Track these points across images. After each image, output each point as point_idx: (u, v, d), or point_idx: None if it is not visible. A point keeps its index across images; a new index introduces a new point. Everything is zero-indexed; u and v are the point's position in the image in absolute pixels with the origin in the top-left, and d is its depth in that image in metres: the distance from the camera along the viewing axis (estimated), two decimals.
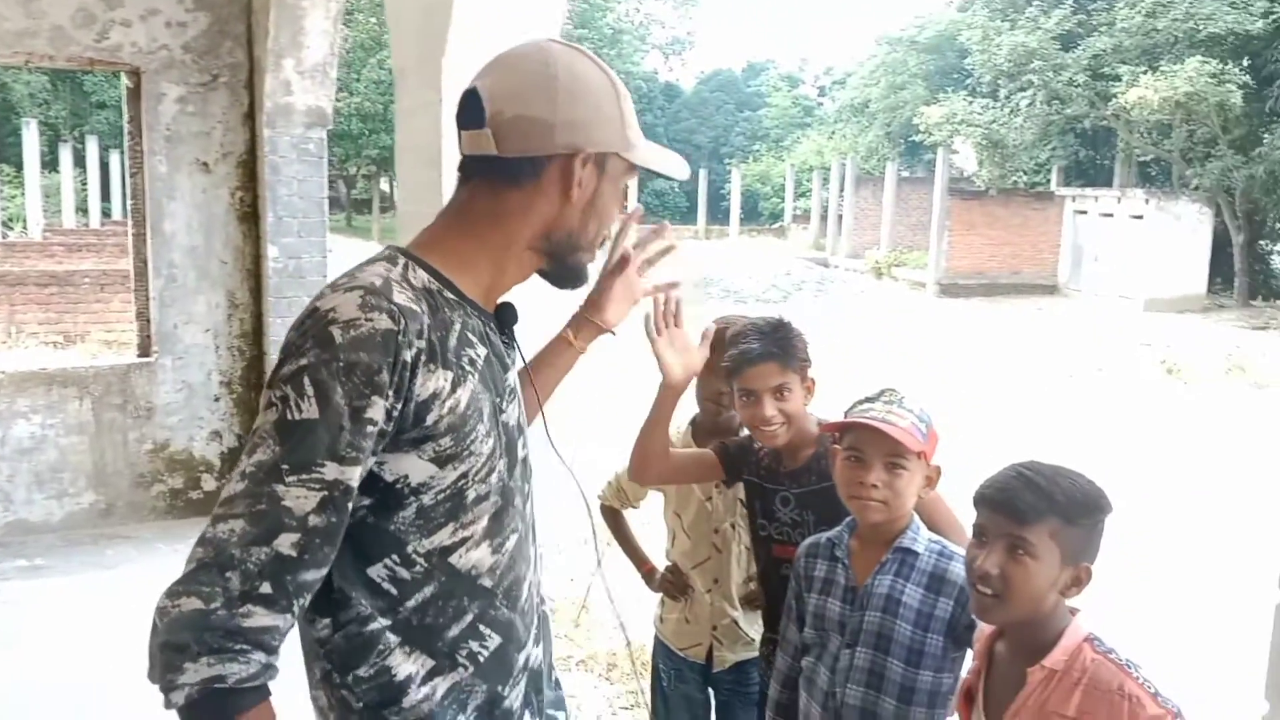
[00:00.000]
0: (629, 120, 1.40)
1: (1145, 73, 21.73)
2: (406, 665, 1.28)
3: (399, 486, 1.25)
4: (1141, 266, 22.19)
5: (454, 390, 1.24)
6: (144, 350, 5.98)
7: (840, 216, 30.88)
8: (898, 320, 19.17)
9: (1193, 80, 20.56)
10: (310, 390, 1.16)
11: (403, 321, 1.19)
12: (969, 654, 1.98)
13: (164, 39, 5.61)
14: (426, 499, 1.26)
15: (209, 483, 6.03)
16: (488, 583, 1.31)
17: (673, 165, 1.49)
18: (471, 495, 1.29)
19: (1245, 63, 22.34)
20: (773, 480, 2.39)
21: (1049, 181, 28.79)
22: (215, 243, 5.86)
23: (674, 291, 1.95)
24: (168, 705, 1.14)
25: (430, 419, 1.22)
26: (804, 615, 2.17)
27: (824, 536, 2.17)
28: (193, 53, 5.68)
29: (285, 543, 1.14)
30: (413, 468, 1.24)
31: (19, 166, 25.99)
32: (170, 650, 1.12)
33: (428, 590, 1.28)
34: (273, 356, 5.75)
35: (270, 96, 5.53)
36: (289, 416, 1.16)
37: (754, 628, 2.73)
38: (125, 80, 5.78)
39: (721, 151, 50.59)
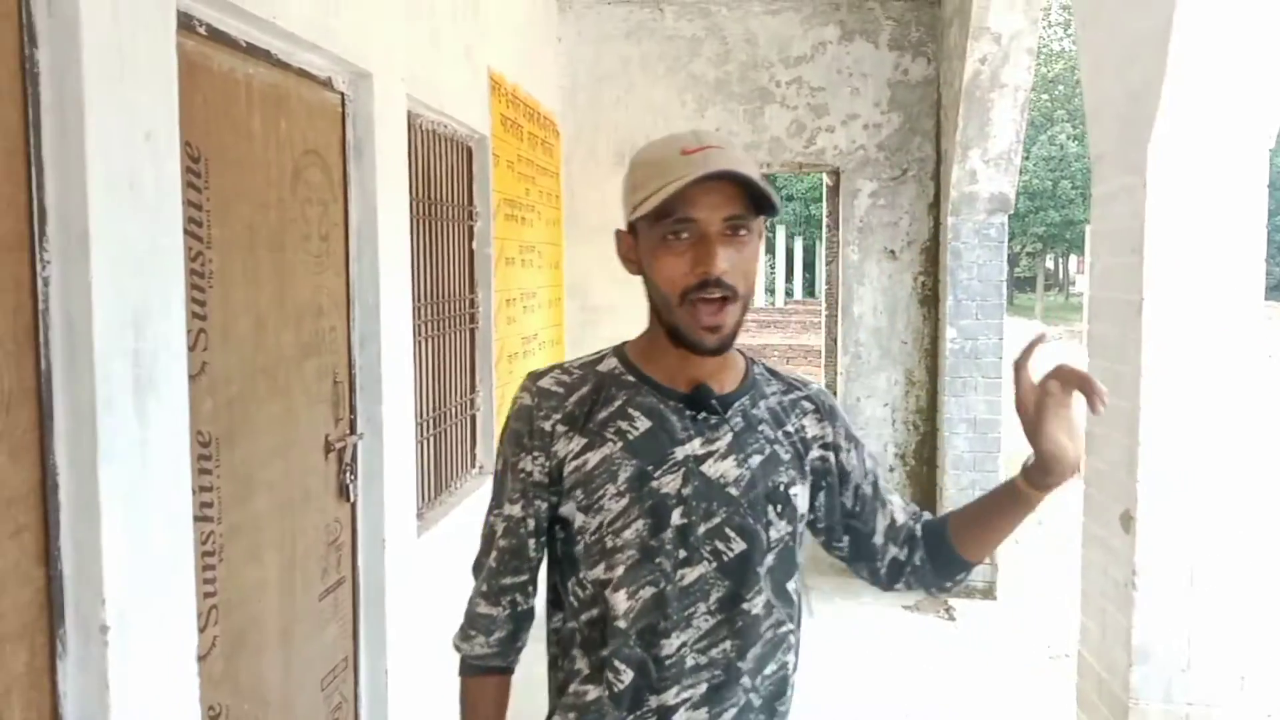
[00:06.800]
0: (664, 172, 1.39)
1: None
2: (580, 662, 1.54)
3: (569, 527, 1.54)
4: None
5: (584, 453, 1.50)
6: None
7: None
8: None
9: None
10: (498, 450, 1.59)
11: (538, 400, 1.53)
12: None
13: (861, 140, 6.23)
14: (587, 539, 1.52)
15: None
16: (622, 624, 1.49)
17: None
18: (609, 544, 1.50)
19: None
20: None
21: None
22: (898, 324, 6.29)
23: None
24: None
25: (566, 473, 1.51)
26: None
27: None
28: (885, 150, 6.22)
29: (491, 558, 1.58)
30: (571, 513, 1.52)
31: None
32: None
33: (594, 611, 1.52)
34: (945, 433, 6.01)
35: (956, 186, 5.83)
36: (495, 469, 1.60)
37: None
38: (825, 179, 6.50)
39: None
